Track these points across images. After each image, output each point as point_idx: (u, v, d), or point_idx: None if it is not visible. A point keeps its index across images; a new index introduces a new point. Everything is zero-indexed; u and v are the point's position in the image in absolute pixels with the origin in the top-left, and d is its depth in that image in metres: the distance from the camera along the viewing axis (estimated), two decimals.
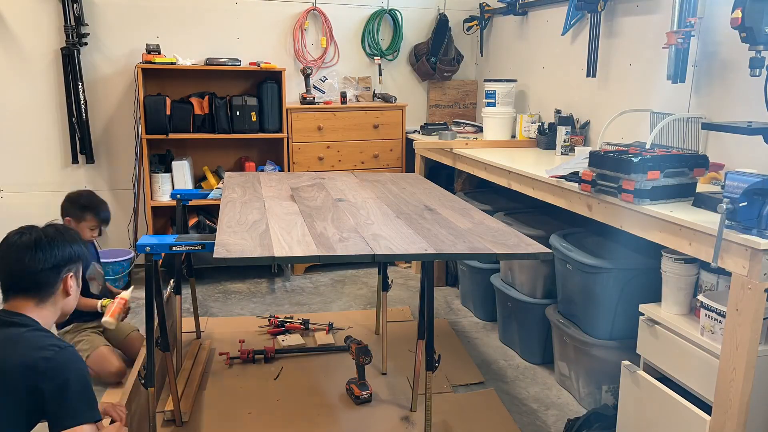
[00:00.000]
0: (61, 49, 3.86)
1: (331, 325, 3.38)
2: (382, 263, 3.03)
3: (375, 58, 4.56)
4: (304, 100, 4.19)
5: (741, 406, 1.80)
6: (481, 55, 4.70)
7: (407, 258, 1.84)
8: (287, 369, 2.94)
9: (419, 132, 4.48)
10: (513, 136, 3.89)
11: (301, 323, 3.37)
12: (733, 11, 2.11)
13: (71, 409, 1.53)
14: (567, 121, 3.42)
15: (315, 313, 3.62)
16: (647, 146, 2.48)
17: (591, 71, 3.32)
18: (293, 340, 3.20)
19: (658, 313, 2.23)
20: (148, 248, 2.08)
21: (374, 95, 4.56)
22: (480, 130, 4.29)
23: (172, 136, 3.85)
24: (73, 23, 3.84)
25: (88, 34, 3.92)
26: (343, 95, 4.31)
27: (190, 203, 3.32)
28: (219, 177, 4.11)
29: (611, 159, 2.21)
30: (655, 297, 2.30)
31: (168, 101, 3.83)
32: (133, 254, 4.05)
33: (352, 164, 4.30)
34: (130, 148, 4.15)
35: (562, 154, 3.33)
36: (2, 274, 1.68)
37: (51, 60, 3.91)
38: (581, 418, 2.43)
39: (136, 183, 4.16)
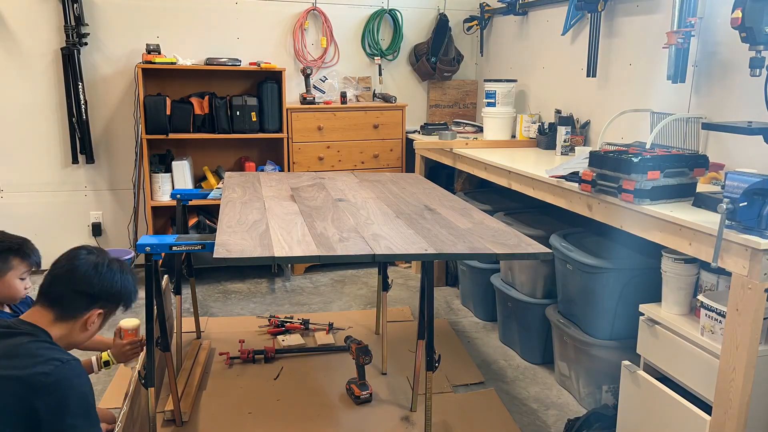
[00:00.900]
0: (61, 49, 3.86)
1: (331, 325, 3.38)
2: (382, 263, 3.03)
3: (375, 58, 4.56)
4: (304, 100, 4.19)
5: (741, 406, 1.80)
6: (481, 55, 4.70)
7: (407, 258, 1.84)
8: (287, 369, 2.94)
9: (419, 132, 4.48)
10: (513, 136, 3.89)
11: (301, 323, 3.37)
12: (733, 11, 2.11)
13: (70, 429, 1.44)
14: (567, 121, 3.42)
15: (315, 313, 3.62)
16: (647, 146, 2.48)
17: (591, 71, 3.32)
18: (293, 340, 3.20)
19: (658, 313, 2.23)
20: (148, 248, 2.08)
21: (374, 95, 4.56)
22: (480, 130, 4.30)
23: (172, 136, 3.85)
24: (73, 23, 3.84)
25: (88, 34, 3.92)
26: (343, 95, 4.31)
27: (190, 203, 3.32)
28: (219, 177, 4.11)
29: (611, 159, 2.21)
30: (655, 297, 2.30)
31: (168, 101, 3.83)
32: (133, 254, 4.04)
33: (352, 164, 4.30)
34: (130, 148, 4.15)
35: (562, 154, 3.33)
36: (47, 278, 1.66)
37: (51, 60, 3.91)
38: (581, 418, 2.43)
39: (136, 183, 4.16)
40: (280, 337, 3.22)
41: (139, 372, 2.16)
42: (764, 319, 1.78)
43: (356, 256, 1.76)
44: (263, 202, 2.42)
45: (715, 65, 2.61)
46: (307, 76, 4.24)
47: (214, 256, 1.69)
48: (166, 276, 2.93)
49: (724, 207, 1.72)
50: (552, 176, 2.59)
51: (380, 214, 2.25)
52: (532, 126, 3.75)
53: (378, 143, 4.34)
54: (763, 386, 1.89)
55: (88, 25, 3.91)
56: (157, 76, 4.01)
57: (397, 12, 4.51)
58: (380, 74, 4.58)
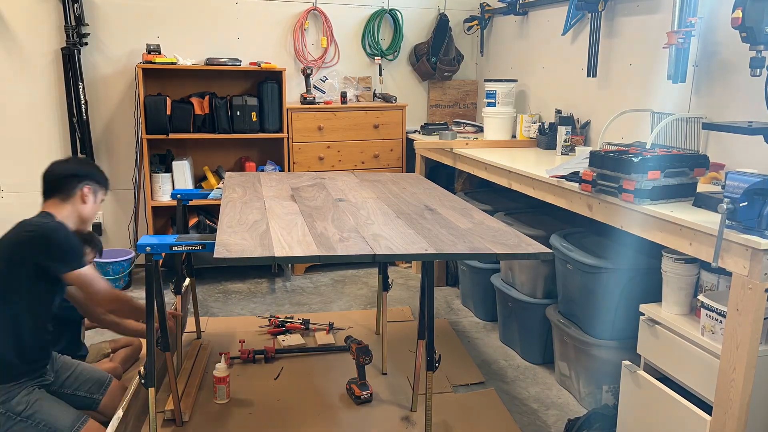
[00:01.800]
0: (62, 49, 3.86)
1: (331, 325, 3.38)
2: (382, 263, 3.03)
3: (375, 58, 4.56)
4: (304, 100, 4.19)
5: (741, 406, 1.80)
6: (482, 55, 4.70)
7: (407, 258, 1.84)
8: (287, 369, 2.94)
9: (419, 132, 4.48)
10: (513, 136, 3.89)
11: (301, 323, 3.37)
12: (733, 11, 2.11)
13: (60, 262, 2.05)
14: (567, 121, 3.42)
15: (315, 313, 3.62)
16: (648, 146, 2.48)
17: (591, 71, 3.32)
18: (293, 340, 3.20)
19: (659, 313, 2.23)
20: (148, 248, 2.08)
21: (374, 95, 4.56)
22: (480, 130, 4.29)
23: (172, 136, 3.85)
24: (73, 23, 3.84)
25: (89, 34, 3.92)
26: (344, 95, 4.31)
27: (191, 203, 3.32)
28: (219, 177, 4.11)
29: (612, 159, 2.21)
30: (656, 297, 2.30)
31: (168, 101, 3.83)
32: (133, 254, 4.05)
33: (353, 164, 4.30)
34: (131, 148, 4.15)
35: (562, 154, 3.33)
36: (42, 183, 2.23)
37: (51, 60, 3.91)
38: (581, 418, 2.43)
39: (136, 183, 4.16)
40: (280, 337, 3.22)
41: (139, 372, 2.16)
42: (764, 319, 1.78)
43: (356, 256, 1.76)
44: (263, 202, 2.42)
45: (716, 65, 2.61)
46: (307, 76, 4.25)
47: (215, 256, 1.69)
48: (188, 279, 2.96)
49: (725, 207, 1.72)
50: (552, 176, 2.59)
51: (380, 214, 2.25)
52: (533, 126, 3.75)
53: (378, 143, 4.34)
54: (764, 386, 1.89)
55: (88, 24, 3.91)
56: (157, 76, 4.01)
57: (397, 12, 4.51)
58: (380, 74, 4.58)
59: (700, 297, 2.04)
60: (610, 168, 2.22)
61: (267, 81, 4.04)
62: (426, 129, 4.41)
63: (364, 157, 4.33)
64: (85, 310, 2.56)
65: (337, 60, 4.49)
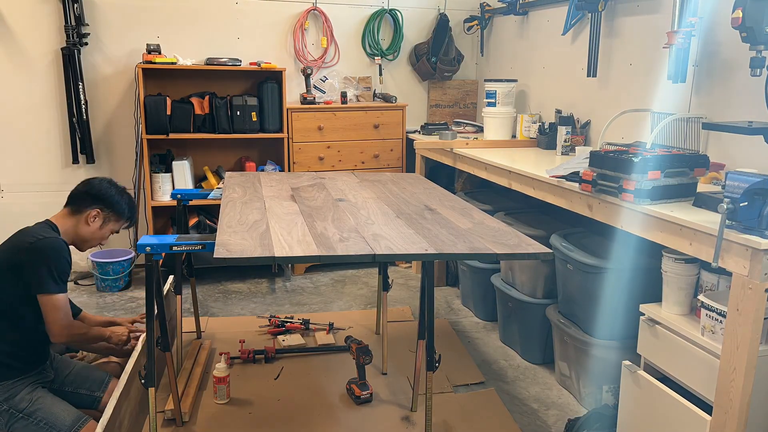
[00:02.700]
0: (62, 49, 3.86)
1: (331, 325, 3.38)
2: (382, 263, 3.03)
3: (375, 58, 4.56)
4: (304, 100, 4.19)
5: (742, 406, 1.80)
6: (482, 55, 4.70)
7: (408, 258, 1.84)
8: (287, 369, 2.94)
9: (420, 132, 4.48)
10: (513, 136, 3.89)
11: (301, 323, 3.37)
12: (733, 11, 2.11)
13: (38, 278, 2.04)
14: (567, 120, 3.42)
15: (315, 313, 3.62)
16: (648, 146, 2.48)
17: (591, 71, 3.32)
18: (294, 340, 3.20)
19: (659, 313, 2.23)
20: (148, 248, 2.07)
21: (374, 95, 4.56)
22: (480, 130, 4.29)
23: (172, 136, 3.85)
24: (73, 23, 3.84)
25: (89, 34, 3.92)
26: (344, 95, 4.31)
27: (191, 203, 3.32)
28: (219, 177, 4.11)
29: (612, 159, 2.21)
30: (656, 297, 2.30)
31: (168, 101, 3.83)
32: (133, 254, 4.05)
33: (353, 164, 4.30)
34: (131, 148, 4.15)
35: (562, 154, 3.33)
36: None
37: (51, 60, 3.92)
38: (581, 418, 2.43)
39: (136, 183, 4.16)
40: (280, 337, 3.22)
41: (139, 372, 2.16)
42: (765, 319, 1.78)
43: (357, 256, 1.76)
44: (263, 202, 2.42)
45: (716, 65, 2.61)
46: (307, 76, 4.25)
47: (215, 256, 1.69)
48: (171, 276, 2.93)
49: (725, 207, 1.72)
50: (552, 176, 2.59)
51: (380, 214, 2.25)
52: (533, 126, 3.75)
53: (378, 143, 4.34)
54: (764, 386, 1.89)
55: (88, 25, 3.91)
56: (157, 76, 4.01)
57: (397, 12, 4.51)
58: (380, 74, 4.58)
59: (700, 297, 2.04)
60: (610, 168, 2.22)
61: (267, 81, 4.04)
62: (426, 129, 4.41)
63: (364, 157, 4.33)
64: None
65: (337, 60, 4.49)
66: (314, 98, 4.20)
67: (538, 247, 1.89)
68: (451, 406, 2.65)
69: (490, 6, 4.47)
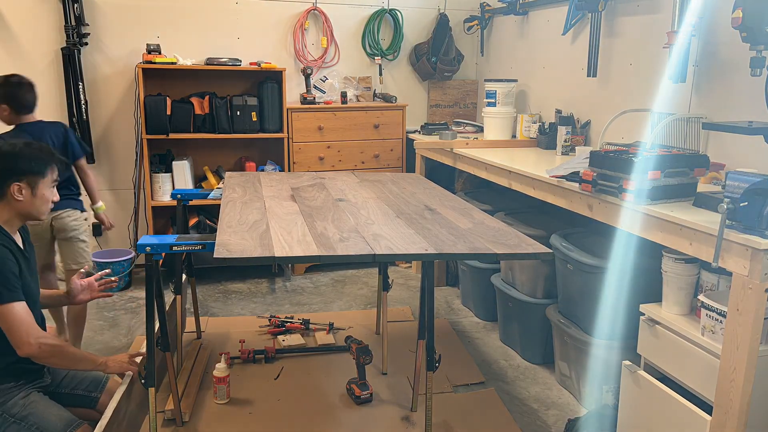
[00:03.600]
0: (62, 49, 3.86)
1: (331, 325, 3.38)
2: (382, 263, 3.03)
3: (375, 58, 4.55)
4: (304, 100, 4.19)
5: (741, 406, 1.79)
6: (482, 55, 4.70)
7: (408, 258, 1.84)
8: (288, 369, 2.94)
9: (420, 132, 4.48)
10: (513, 136, 3.89)
11: (301, 323, 3.37)
12: (733, 11, 2.11)
13: None
14: (568, 120, 3.42)
15: (315, 313, 3.62)
16: (648, 146, 2.48)
17: (591, 71, 3.32)
18: (294, 340, 3.20)
19: (659, 313, 2.23)
20: (148, 248, 2.08)
21: (375, 95, 4.56)
22: (480, 130, 4.29)
23: (172, 136, 3.85)
24: (73, 23, 3.84)
25: (89, 34, 3.92)
26: (344, 95, 4.30)
27: (191, 203, 3.32)
28: (219, 177, 4.11)
29: (612, 159, 2.21)
30: (656, 297, 2.30)
31: (168, 101, 3.83)
32: (133, 254, 4.05)
33: (353, 164, 4.30)
34: (131, 148, 4.15)
35: (562, 153, 3.33)
36: None
37: (51, 60, 3.91)
38: (581, 418, 2.43)
39: (136, 183, 4.16)
40: (280, 337, 3.22)
41: (139, 372, 2.16)
42: (765, 319, 1.78)
43: (357, 256, 1.76)
44: (263, 202, 2.42)
45: (716, 65, 2.61)
46: (307, 76, 4.24)
47: (215, 256, 1.69)
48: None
49: (725, 207, 1.72)
50: (552, 176, 2.59)
51: (381, 214, 2.25)
52: (533, 126, 3.75)
53: (378, 143, 4.34)
54: (764, 386, 1.89)
55: (88, 25, 3.91)
56: (157, 76, 4.01)
57: (397, 12, 4.51)
58: (380, 74, 4.58)
59: (701, 297, 2.04)
60: (610, 168, 2.22)
61: (267, 81, 4.04)
62: (426, 129, 4.41)
63: (364, 157, 4.32)
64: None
65: (337, 60, 4.49)
66: (314, 98, 4.20)
67: (538, 247, 1.89)
68: (451, 406, 2.65)
69: (490, 6, 4.47)
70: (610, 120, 2.98)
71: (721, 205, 1.73)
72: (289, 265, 4.23)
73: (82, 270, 2.32)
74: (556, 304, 2.91)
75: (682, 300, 2.20)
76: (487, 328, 3.50)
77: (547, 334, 2.99)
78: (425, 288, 2.35)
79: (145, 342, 2.18)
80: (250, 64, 4.09)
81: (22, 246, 2.04)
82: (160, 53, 3.86)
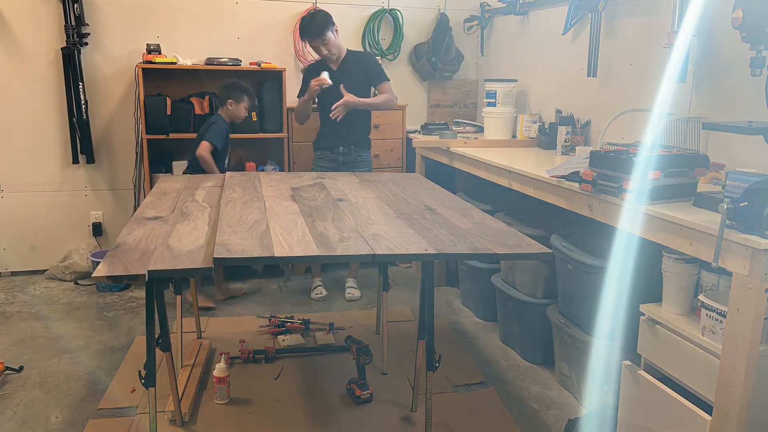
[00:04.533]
0: (62, 49, 3.86)
1: (331, 325, 3.38)
2: (382, 263, 3.03)
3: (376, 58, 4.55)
4: None
5: (742, 406, 1.79)
6: (482, 55, 4.70)
7: (408, 258, 1.85)
8: (288, 369, 2.94)
9: (420, 132, 4.47)
10: (513, 136, 3.89)
11: (301, 323, 3.37)
12: (733, 11, 2.11)
13: None
14: (568, 120, 3.42)
15: (315, 313, 3.61)
16: (648, 146, 2.48)
17: (591, 71, 3.32)
18: (294, 340, 3.20)
19: (659, 313, 2.23)
20: None
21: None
22: (480, 129, 4.29)
23: (172, 136, 3.85)
24: (73, 23, 3.84)
25: (89, 34, 3.92)
26: None
27: None
28: None
29: (612, 159, 2.21)
30: (656, 297, 2.30)
31: (168, 101, 3.83)
32: None
33: None
34: (131, 148, 4.15)
35: (562, 153, 3.33)
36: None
37: (51, 60, 3.92)
38: (581, 418, 2.43)
39: (136, 183, 4.16)
40: (280, 337, 3.22)
41: (139, 372, 2.16)
42: (765, 319, 1.78)
43: (356, 256, 1.77)
44: (263, 201, 2.42)
45: (716, 65, 2.61)
46: None
47: (215, 256, 1.69)
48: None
49: (725, 207, 1.72)
50: (552, 176, 2.59)
51: (380, 214, 2.25)
52: (533, 126, 3.75)
53: (378, 143, 4.33)
54: (764, 386, 1.89)
55: (88, 25, 3.91)
56: (157, 76, 4.01)
57: (397, 12, 4.51)
58: None
59: (701, 297, 2.04)
60: (610, 168, 2.22)
61: (267, 81, 4.04)
62: (426, 129, 4.41)
63: None
64: None
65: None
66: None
67: (538, 247, 1.89)
68: (451, 406, 2.65)
69: (490, 6, 4.47)
70: (610, 120, 2.98)
71: (721, 205, 1.73)
72: (289, 265, 4.23)
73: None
74: (556, 304, 2.91)
75: (682, 300, 2.20)
76: (487, 328, 3.50)
77: (548, 334, 2.99)
78: (425, 288, 2.35)
79: (146, 341, 2.18)
80: (250, 64, 4.09)
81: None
82: (160, 53, 3.86)
